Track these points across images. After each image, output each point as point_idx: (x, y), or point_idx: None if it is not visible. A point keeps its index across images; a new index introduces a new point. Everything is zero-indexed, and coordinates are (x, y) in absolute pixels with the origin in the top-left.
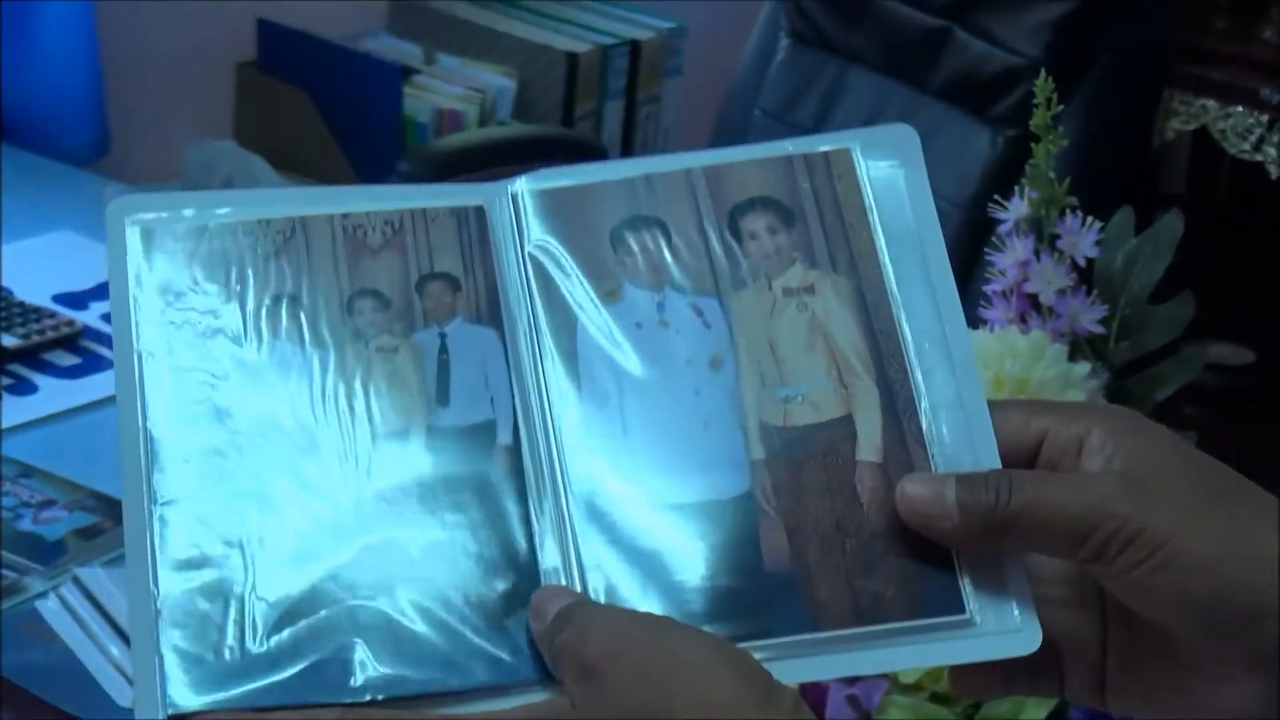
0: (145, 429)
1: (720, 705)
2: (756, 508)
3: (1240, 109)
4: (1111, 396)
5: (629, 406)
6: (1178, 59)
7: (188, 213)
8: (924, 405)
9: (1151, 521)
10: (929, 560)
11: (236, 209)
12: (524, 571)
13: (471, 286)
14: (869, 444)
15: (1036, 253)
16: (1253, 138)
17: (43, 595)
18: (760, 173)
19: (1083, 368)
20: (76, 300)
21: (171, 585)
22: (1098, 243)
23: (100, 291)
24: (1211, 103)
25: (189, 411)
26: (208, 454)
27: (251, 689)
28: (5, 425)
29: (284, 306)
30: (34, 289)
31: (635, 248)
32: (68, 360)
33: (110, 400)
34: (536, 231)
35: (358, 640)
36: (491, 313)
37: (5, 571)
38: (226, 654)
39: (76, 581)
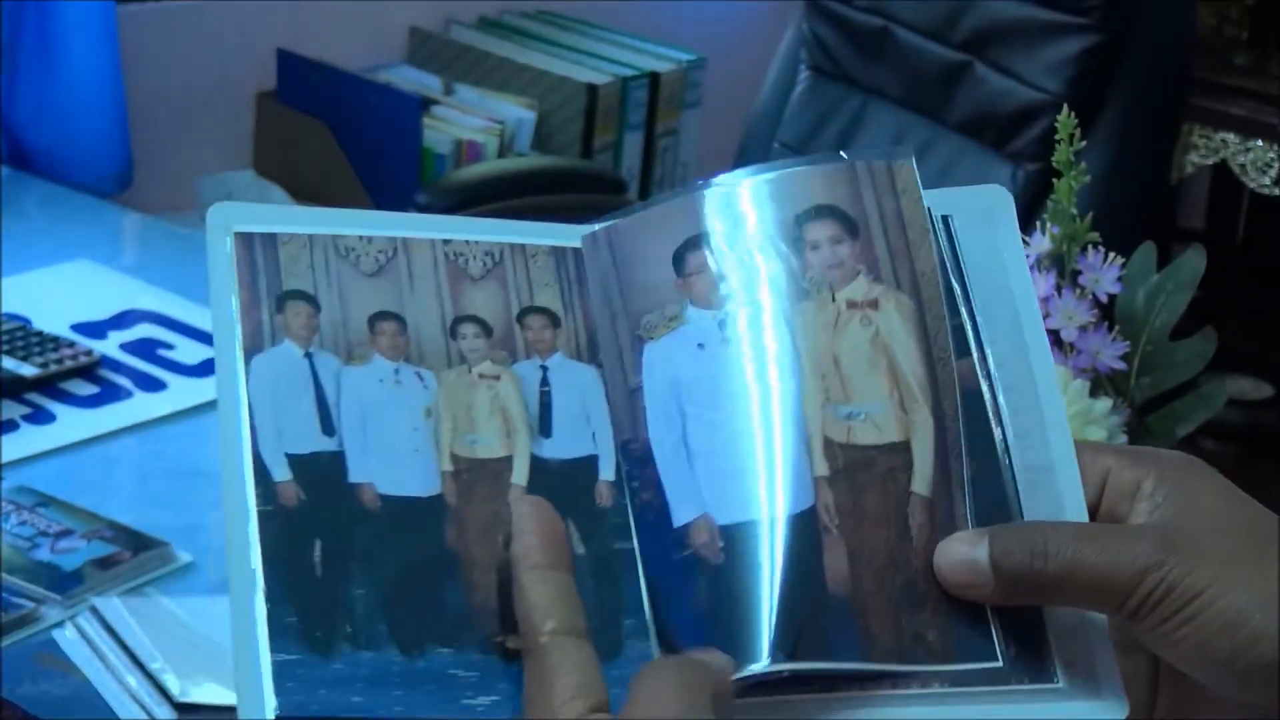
0: (250, 434)
1: None
2: (820, 526)
3: (1260, 143)
4: (1133, 433)
5: (693, 429)
6: (1197, 93)
7: (288, 224)
8: (1012, 459)
9: (1184, 578)
10: (967, 608)
11: (337, 225)
12: (632, 608)
13: (571, 325)
14: (923, 477)
15: (1058, 289)
16: (1272, 172)
17: (59, 625)
18: (824, 180)
19: (1104, 404)
20: (95, 330)
21: (276, 593)
22: (1119, 279)
23: (117, 321)
24: (1231, 137)
25: (293, 420)
26: (314, 465)
27: (357, 701)
28: (24, 454)
29: (387, 324)
30: (53, 318)
31: (694, 268)
32: (86, 390)
33: (128, 430)
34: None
35: (461, 663)
36: (591, 352)
37: (23, 601)
38: (338, 664)
39: (94, 612)
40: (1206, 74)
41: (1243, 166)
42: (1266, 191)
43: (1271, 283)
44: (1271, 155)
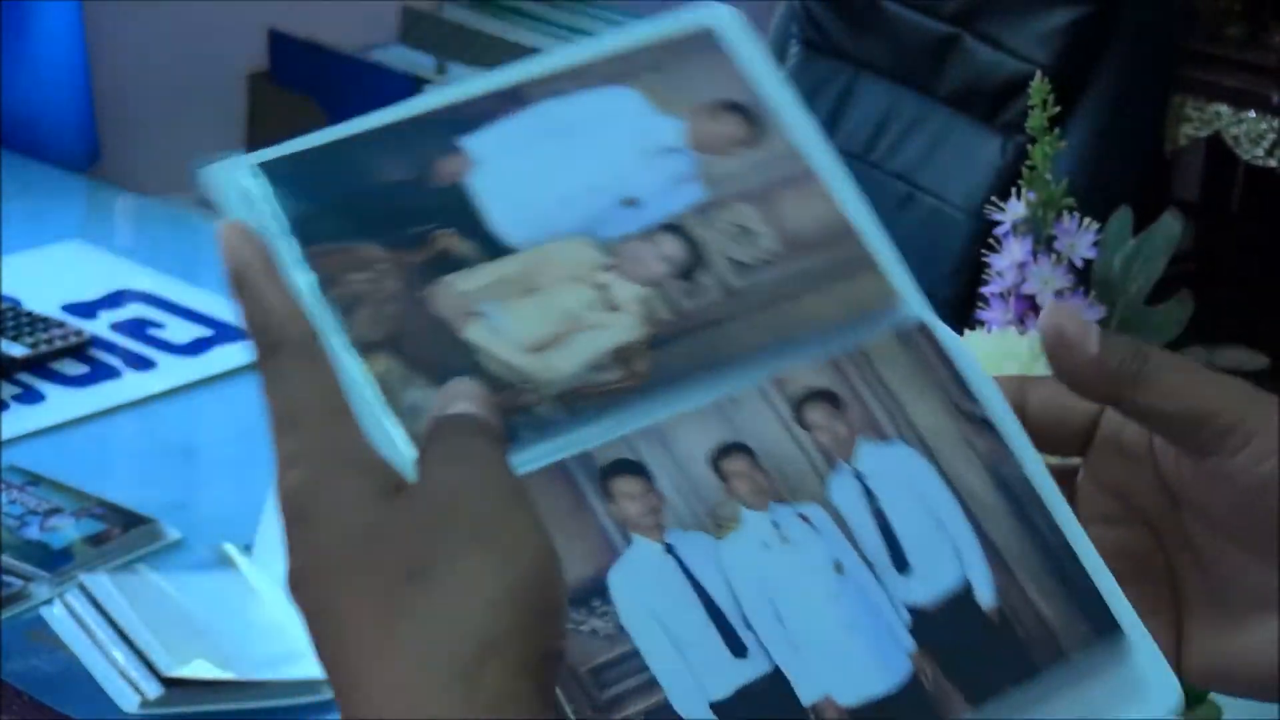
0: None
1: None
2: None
3: (1253, 115)
4: None
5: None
6: (1191, 65)
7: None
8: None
9: (1275, 422)
10: None
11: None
12: None
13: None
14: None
15: (1034, 254)
16: (1265, 143)
17: (48, 603)
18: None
19: None
20: (86, 310)
21: None
22: (1095, 244)
23: (108, 301)
24: (1224, 109)
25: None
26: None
27: None
28: (13, 434)
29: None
30: (43, 299)
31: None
32: (76, 369)
33: (118, 409)
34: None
35: None
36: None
37: (12, 579)
38: None
39: (82, 589)
40: (1200, 46)
41: (1236, 139)
42: (1260, 164)
43: (1267, 254)
44: (1265, 127)
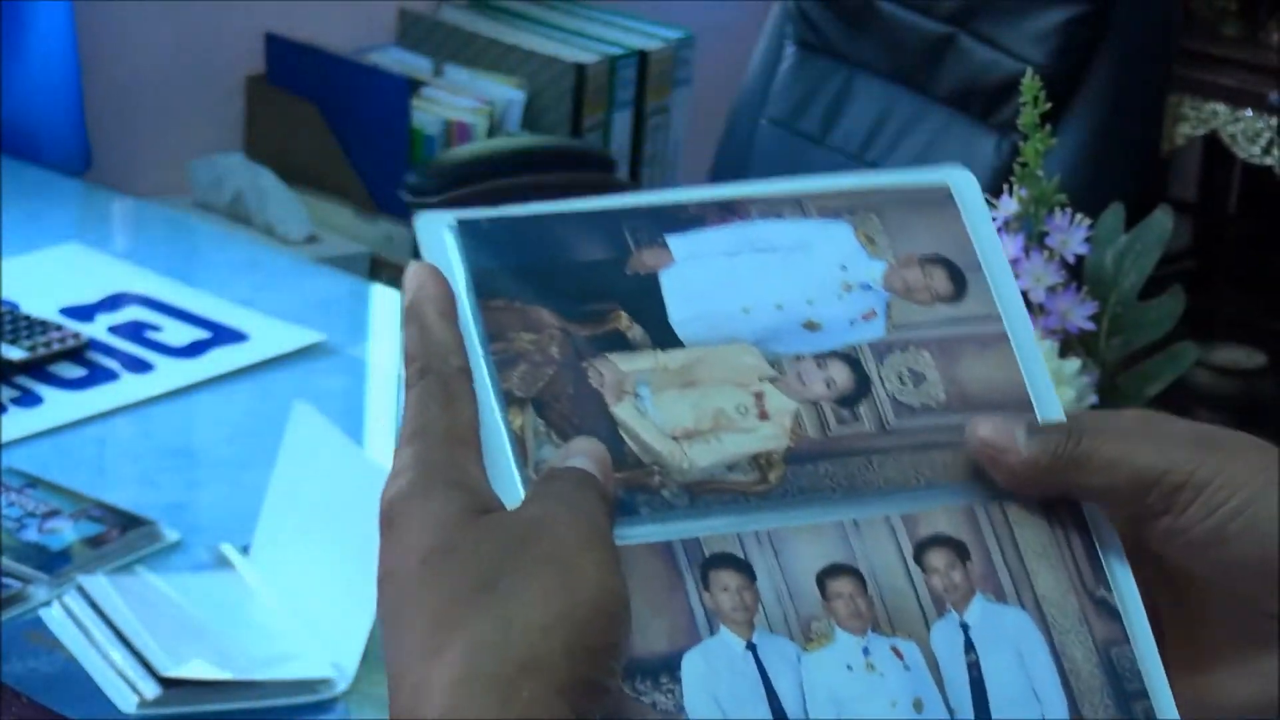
0: None
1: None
2: None
3: (1249, 113)
4: (1103, 392)
5: None
6: (1187, 65)
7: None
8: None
9: (1223, 470)
10: None
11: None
12: None
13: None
14: None
15: (1026, 250)
16: (1262, 141)
17: (47, 604)
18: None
19: (1073, 364)
20: (84, 313)
21: None
22: (1088, 240)
23: (106, 304)
24: (1221, 107)
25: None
26: None
27: None
28: (11, 437)
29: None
30: (41, 302)
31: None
32: (74, 372)
33: (116, 412)
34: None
35: None
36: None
37: (10, 581)
38: None
39: (80, 590)
40: (1197, 45)
41: (1233, 137)
42: (1256, 162)
43: (1265, 252)
44: (1261, 125)
